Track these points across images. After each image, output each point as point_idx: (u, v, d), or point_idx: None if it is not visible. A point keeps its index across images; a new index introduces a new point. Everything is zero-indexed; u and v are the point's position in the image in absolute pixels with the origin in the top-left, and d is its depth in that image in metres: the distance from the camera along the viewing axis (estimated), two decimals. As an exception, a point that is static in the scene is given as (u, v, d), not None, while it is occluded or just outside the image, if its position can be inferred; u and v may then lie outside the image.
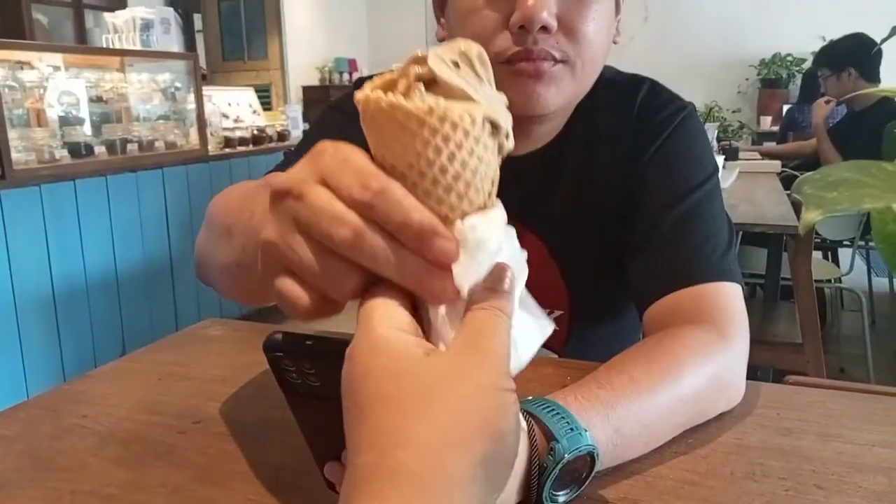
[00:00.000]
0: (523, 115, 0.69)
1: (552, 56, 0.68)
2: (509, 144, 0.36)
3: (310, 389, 0.46)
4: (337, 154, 0.35)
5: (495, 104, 0.34)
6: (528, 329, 0.38)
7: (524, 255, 0.37)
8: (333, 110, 0.85)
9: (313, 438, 0.49)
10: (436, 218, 0.33)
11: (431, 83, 0.34)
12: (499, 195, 0.37)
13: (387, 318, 0.34)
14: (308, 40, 7.91)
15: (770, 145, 5.18)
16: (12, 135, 2.49)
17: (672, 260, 0.72)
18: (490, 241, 0.34)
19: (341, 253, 0.33)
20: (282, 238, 0.35)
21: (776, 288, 2.16)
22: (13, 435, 0.69)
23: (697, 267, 0.70)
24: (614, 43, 0.78)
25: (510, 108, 0.36)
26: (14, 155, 2.45)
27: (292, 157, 0.81)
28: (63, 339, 2.58)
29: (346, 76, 8.55)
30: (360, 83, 0.82)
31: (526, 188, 0.79)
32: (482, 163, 0.34)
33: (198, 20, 5.91)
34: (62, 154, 2.67)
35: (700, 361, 0.62)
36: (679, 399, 0.60)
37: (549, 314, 0.82)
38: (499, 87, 0.36)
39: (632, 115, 0.80)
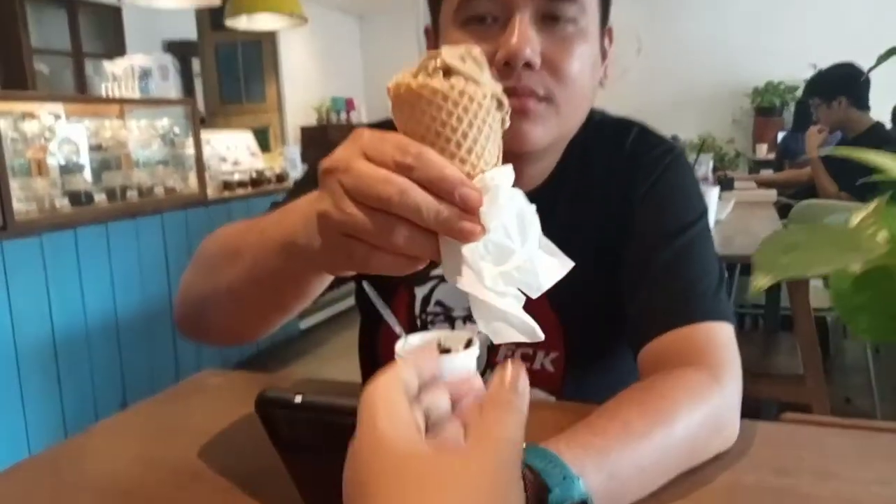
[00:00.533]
0: (510, 153, 0.71)
1: (536, 93, 0.70)
2: (507, 122, 0.44)
3: (300, 443, 0.47)
4: (374, 134, 0.43)
5: (497, 87, 0.43)
6: (549, 264, 0.45)
7: (533, 207, 0.44)
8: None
9: (305, 490, 0.50)
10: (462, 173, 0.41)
11: (446, 72, 0.42)
12: None
13: (389, 415, 0.34)
14: (305, 81, 8.03)
15: (767, 173, 5.22)
16: (14, 185, 2.51)
17: (664, 299, 0.73)
18: (506, 187, 0.42)
19: (389, 210, 0.40)
20: (335, 206, 0.42)
21: (776, 319, 2.16)
22: (15, 494, 0.69)
23: (690, 306, 0.71)
24: (600, 86, 0.80)
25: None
26: (15, 205, 2.47)
27: (297, 189, 0.82)
28: (64, 389, 2.57)
29: (343, 115, 8.66)
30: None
31: None
32: (493, 131, 0.42)
33: (196, 64, 6.02)
34: (63, 203, 2.69)
35: (693, 405, 0.62)
36: (673, 443, 0.60)
37: (545, 356, 0.82)
38: None
39: (622, 157, 0.82)
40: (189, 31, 5.50)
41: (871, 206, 0.27)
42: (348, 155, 0.43)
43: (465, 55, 0.43)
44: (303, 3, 4.19)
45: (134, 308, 2.87)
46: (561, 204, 0.82)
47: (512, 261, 0.42)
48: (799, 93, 7.12)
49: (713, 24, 7.55)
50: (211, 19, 5.00)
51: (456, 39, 0.72)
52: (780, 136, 5.80)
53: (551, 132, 0.74)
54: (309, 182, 0.74)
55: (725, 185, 2.88)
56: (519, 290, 0.43)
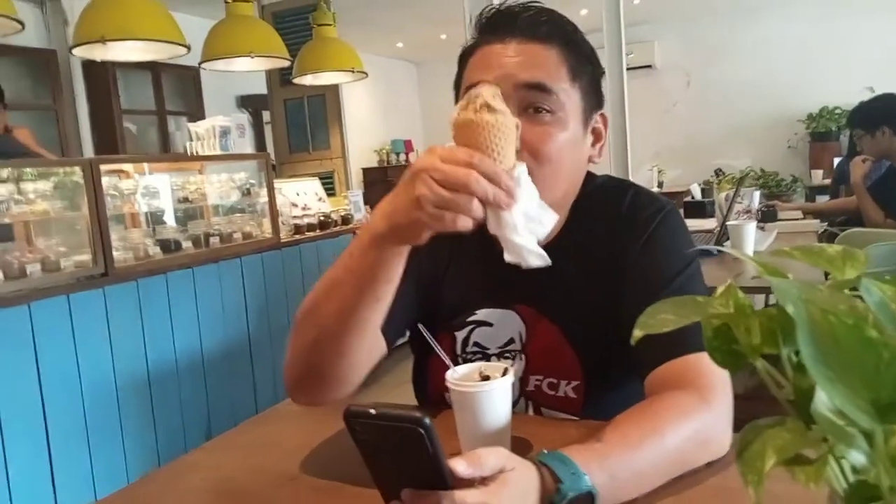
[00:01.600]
0: None
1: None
2: (520, 130, 0.77)
3: (375, 445, 0.65)
4: (444, 146, 0.72)
5: (514, 118, 0.75)
6: (546, 218, 0.77)
7: (528, 178, 0.75)
8: None
9: (381, 482, 0.68)
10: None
11: (487, 106, 0.72)
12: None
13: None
14: (366, 126, 8.43)
15: (823, 199, 5.19)
16: (113, 236, 2.84)
17: (663, 336, 0.88)
18: (527, 178, 0.74)
19: (465, 190, 0.69)
20: (430, 190, 0.70)
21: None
22: (149, 496, 0.90)
23: (684, 340, 0.86)
24: (592, 162, 0.99)
25: None
26: (114, 254, 2.79)
27: None
28: (157, 421, 2.84)
29: (402, 156, 9.01)
30: None
31: (536, 281, 0.92)
32: (511, 142, 0.73)
33: (266, 114, 6.45)
34: (155, 251, 3.00)
35: (681, 421, 0.78)
36: (663, 452, 0.76)
37: (567, 385, 0.99)
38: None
39: (621, 216, 0.99)
40: (260, 87, 5.94)
41: (722, 287, 0.44)
42: (431, 159, 0.71)
43: (496, 94, 0.74)
44: (364, 55, 4.51)
45: (218, 345, 3.14)
46: (570, 257, 0.98)
47: (528, 218, 0.73)
48: (853, 116, 7.06)
49: (763, 56, 7.55)
50: (280, 76, 5.39)
51: None
52: (836, 161, 5.76)
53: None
54: None
55: (768, 217, 2.95)
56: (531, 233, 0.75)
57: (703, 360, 0.86)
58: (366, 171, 8.51)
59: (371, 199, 5.14)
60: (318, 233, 3.94)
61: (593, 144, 0.99)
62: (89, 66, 5.08)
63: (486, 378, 0.88)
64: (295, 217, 3.93)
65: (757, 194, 3.14)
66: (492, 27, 0.94)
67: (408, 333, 1.04)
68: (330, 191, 5.10)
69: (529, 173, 0.84)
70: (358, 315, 0.84)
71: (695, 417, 0.79)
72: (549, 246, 0.99)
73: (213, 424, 3.09)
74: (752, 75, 7.56)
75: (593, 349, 0.98)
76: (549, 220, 0.75)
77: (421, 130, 9.72)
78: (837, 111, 7.16)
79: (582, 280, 0.99)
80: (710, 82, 7.77)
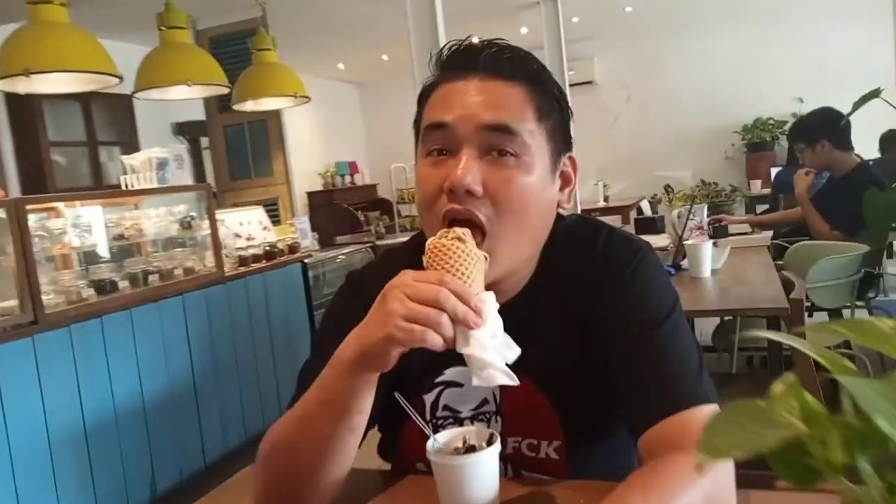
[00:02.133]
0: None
1: (476, 217, 0.82)
2: (488, 264, 0.79)
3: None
4: (417, 271, 0.76)
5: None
6: (511, 345, 0.77)
7: (495, 306, 0.77)
8: (348, 296, 0.99)
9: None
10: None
11: (458, 238, 0.77)
12: None
13: None
14: (310, 150, 8.28)
15: (762, 208, 5.33)
16: (42, 280, 2.64)
17: (653, 392, 0.82)
18: (493, 299, 0.76)
19: (435, 305, 0.71)
20: (403, 305, 0.72)
21: (780, 364, 2.23)
22: None
23: (676, 396, 0.80)
24: (561, 208, 0.92)
25: None
26: (44, 299, 2.60)
27: (320, 343, 0.94)
28: (95, 475, 2.64)
29: (347, 178, 8.88)
30: (350, 277, 1.04)
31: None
32: (480, 271, 0.77)
33: (204, 142, 6.25)
34: (89, 293, 2.81)
35: (690, 487, 0.72)
36: None
37: (548, 446, 0.92)
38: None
39: (595, 261, 0.92)
40: (197, 113, 5.75)
41: (786, 381, 0.37)
42: (403, 279, 0.74)
43: (467, 233, 0.78)
44: (305, 77, 4.40)
45: (160, 390, 2.96)
46: (541, 308, 0.92)
47: (495, 339, 0.75)
48: (787, 128, 7.32)
49: (700, 69, 7.78)
50: (219, 102, 5.23)
51: (420, 171, 0.88)
52: (774, 171, 5.94)
53: (490, 273, 0.83)
54: (330, 333, 0.89)
55: (720, 232, 2.98)
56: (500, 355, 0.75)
57: (699, 414, 0.80)
58: (311, 194, 8.34)
59: (317, 224, 5.03)
60: (264, 263, 3.80)
61: (561, 189, 0.92)
62: (13, 98, 4.81)
63: (470, 448, 0.80)
64: (239, 248, 3.78)
65: (705, 211, 3.17)
66: (453, 64, 0.88)
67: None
68: (275, 218, 4.95)
69: (491, 224, 0.83)
70: (334, 447, 0.82)
71: (702, 484, 0.73)
72: (519, 297, 0.92)
73: (158, 477, 2.90)
74: (690, 88, 7.78)
75: (573, 405, 0.91)
76: (514, 353, 0.76)
77: (365, 151, 9.62)
78: (771, 122, 7.42)
79: (556, 331, 0.92)
80: (650, 96, 7.95)
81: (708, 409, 0.80)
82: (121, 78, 3.11)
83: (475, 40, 0.90)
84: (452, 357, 0.89)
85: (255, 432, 3.45)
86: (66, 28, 2.93)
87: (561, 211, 0.94)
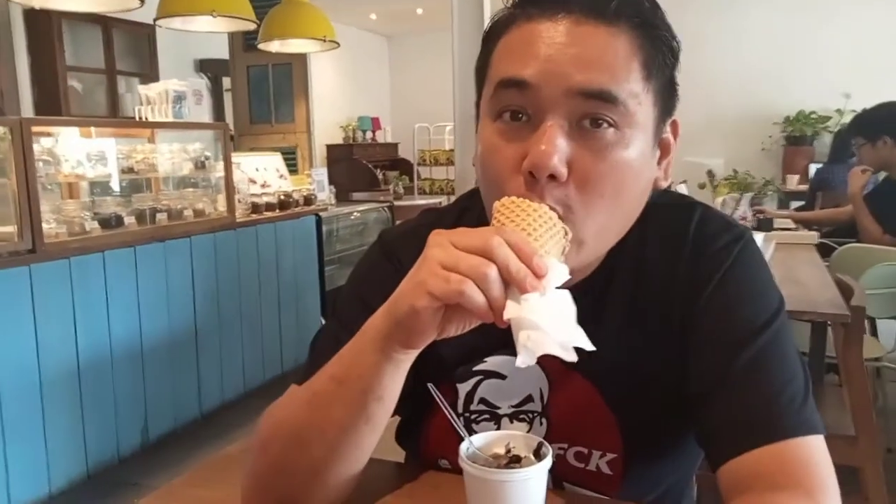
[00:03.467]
0: None
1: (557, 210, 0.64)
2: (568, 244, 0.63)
3: None
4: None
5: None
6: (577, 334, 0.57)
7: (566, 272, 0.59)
8: (379, 259, 0.84)
9: None
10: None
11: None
12: None
13: None
14: (333, 101, 8.07)
15: (798, 205, 5.11)
16: (44, 207, 2.51)
17: (747, 412, 0.66)
18: (565, 272, 0.58)
19: (484, 254, 0.56)
20: (445, 253, 0.57)
21: (822, 369, 2.07)
22: None
23: (777, 420, 0.64)
24: (658, 185, 0.73)
25: None
26: (45, 227, 2.47)
27: (342, 310, 0.81)
28: (86, 416, 2.54)
29: (368, 134, 8.68)
30: (383, 236, 0.87)
31: None
32: (558, 245, 0.61)
33: (226, 82, 6.06)
34: (93, 226, 2.68)
35: None
36: None
37: (601, 458, 0.76)
38: None
39: (685, 247, 0.74)
40: (221, 51, 5.54)
41: None
42: (453, 231, 0.59)
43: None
44: (334, 24, 4.20)
45: (160, 334, 2.84)
46: (611, 299, 0.75)
47: (560, 315, 0.57)
48: (832, 123, 7.03)
49: (743, 53, 7.47)
50: (244, 41, 5.03)
51: (486, 136, 0.68)
52: (814, 168, 5.70)
53: (580, 253, 0.66)
54: (354, 300, 0.79)
55: (764, 225, 2.79)
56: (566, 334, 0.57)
57: (807, 447, 0.64)
58: (330, 147, 8.15)
59: (334, 179, 4.85)
60: (276, 213, 3.65)
61: (659, 161, 0.72)
62: (32, 15, 4.62)
63: (515, 458, 0.65)
64: (253, 195, 3.62)
65: (749, 200, 2.98)
66: None
67: None
68: (292, 168, 4.79)
69: (576, 211, 0.64)
70: (347, 439, 0.67)
71: None
72: (586, 282, 0.73)
73: (151, 423, 2.79)
74: (730, 71, 7.47)
75: (639, 415, 0.75)
76: (582, 341, 0.57)
77: (389, 108, 9.39)
78: (814, 116, 7.13)
79: (627, 328, 0.75)
80: (687, 75, 7.56)
81: (814, 442, 0.65)
82: (142, 1, 2.93)
83: None
84: (497, 343, 0.73)
85: (253, 386, 3.34)
86: (88, -59, 2.75)
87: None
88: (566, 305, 0.57)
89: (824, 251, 2.94)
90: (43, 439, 2.39)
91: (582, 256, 0.67)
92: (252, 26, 3.71)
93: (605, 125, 0.64)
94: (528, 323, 0.55)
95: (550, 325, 0.55)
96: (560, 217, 0.63)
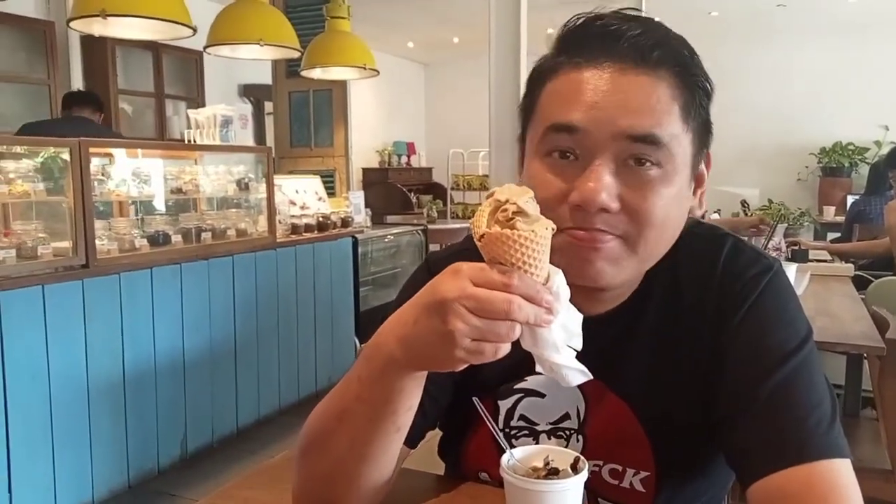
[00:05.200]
0: (579, 285, 0.69)
1: (611, 233, 0.70)
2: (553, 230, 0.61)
3: None
4: (472, 265, 0.59)
5: (547, 222, 0.61)
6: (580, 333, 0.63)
7: (566, 285, 0.62)
8: (427, 279, 0.89)
9: None
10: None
11: (520, 213, 0.59)
12: (577, 355, 0.63)
13: None
14: (369, 125, 8.24)
15: (832, 238, 5.05)
16: (97, 224, 2.63)
17: (775, 434, 0.69)
18: (565, 286, 0.62)
19: (506, 318, 0.57)
20: (465, 321, 0.57)
21: (858, 403, 2.06)
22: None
23: (805, 443, 0.68)
24: (692, 215, 0.78)
25: (566, 274, 0.62)
26: (97, 244, 2.58)
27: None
28: (129, 425, 2.63)
29: (403, 159, 8.82)
30: (430, 258, 0.93)
31: (602, 347, 0.75)
32: (547, 249, 0.60)
33: (268, 107, 6.24)
34: (141, 243, 2.79)
35: None
36: None
37: (634, 475, 0.80)
38: (555, 252, 0.61)
39: (715, 276, 0.79)
40: (264, 77, 5.73)
41: None
42: (461, 285, 0.58)
43: (529, 198, 0.60)
44: (373, 52, 4.32)
45: (201, 349, 2.94)
46: (647, 321, 0.80)
47: (566, 332, 0.62)
48: (870, 154, 6.94)
49: (779, 83, 7.45)
50: (287, 67, 5.19)
51: (535, 170, 0.73)
52: (850, 199, 5.63)
53: (626, 271, 0.72)
54: None
55: (800, 257, 2.79)
56: (569, 346, 0.63)
57: (834, 470, 0.67)
58: (366, 171, 8.30)
59: (369, 201, 4.95)
60: (315, 234, 3.75)
61: (694, 191, 0.77)
62: (88, 41, 4.85)
63: (553, 471, 0.70)
64: (293, 216, 3.73)
65: (783, 231, 2.97)
66: (583, 46, 0.72)
67: None
68: (330, 191, 4.90)
69: (625, 238, 0.70)
70: (376, 448, 0.71)
71: None
72: (621, 309, 0.79)
73: (190, 436, 2.87)
74: (766, 102, 7.45)
75: (671, 435, 0.79)
76: (579, 328, 0.64)
77: (424, 133, 9.53)
78: (851, 147, 7.05)
79: (660, 351, 0.79)
80: (723, 105, 7.55)
81: (840, 465, 0.68)
82: (194, 29, 3.08)
83: (605, 14, 0.73)
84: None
85: (288, 404, 3.41)
86: (146, -26, 2.90)
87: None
88: (570, 314, 0.63)
89: (860, 284, 2.92)
90: (89, 448, 2.48)
91: (618, 280, 0.73)
92: (296, 54, 3.85)
93: (649, 164, 0.69)
94: (548, 365, 0.62)
95: (566, 359, 0.62)
96: (618, 237, 0.71)
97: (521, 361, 0.78)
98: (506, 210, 0.60)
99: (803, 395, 0.71)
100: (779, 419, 0.70)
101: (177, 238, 2.95)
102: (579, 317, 0.63)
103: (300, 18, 4.75)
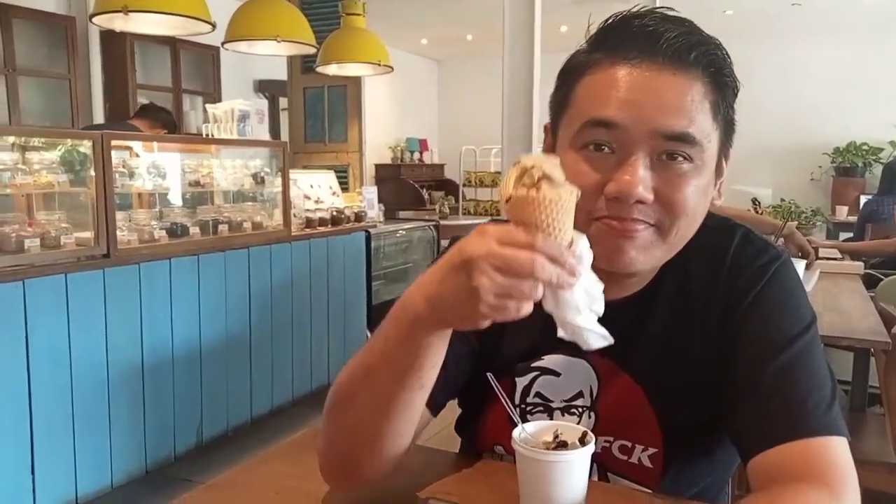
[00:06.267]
0: (609, 271, 0.74)
1: (645, 221, 0.74)
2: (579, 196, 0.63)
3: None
4: (498, 226, 0.61)
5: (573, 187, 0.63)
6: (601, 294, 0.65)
7: (589, 250, 0.64)
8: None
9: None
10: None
11: (546, 178, 0.61)
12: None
13: None
14: (382, 121, 8.28)
15: (845, 237, 5.05)
16: (119, 216, 2.69)
17: (776, 412, 0.73)
18: (588, 251, 0.63)
19: (529, 277, 0.59)
20: (490, 278, 0.59)
21: (864, 397, 2.08)
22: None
23: (803, 421, 0.72)
24: (712, 203, 0.82)
25: (597, 260, 0.64)
26: (118, 234, 2.64)
27: None
28: (147, 413, 2.69)
29: (416, 155, 8.86)
30: (458, 237, 0.93)
31: (618, 330, 0.75)
32: (570, 212, 0.62)
33: (283, 102, 6.30)
34: (160, 234, 2.85)
35: None
36: None
37: (643, 451, 0.84)
38: (589, 240, 0.64)
39: (725, 265, 0.83)
40: (279, 72, 5.79)
41: None
42: (487, 244, 0.60)
43: (555, 164, 0.62)
44: (387, 48, 4.37)
45: (217, 339, 3.00)
46: (659, 307, 0.84)
47: (588, 296, 0.64)
48: (884, 154, 6.91)
49: (793, 82, 7.42)
50: (302, 63, 5.25)
51: (570, 161, 0.75)
52: (863, 199, 5.62)
53: (655, 258, 0.77)
54: None
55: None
56: (591, 310, 0.65)
57: (830, 447, 0.71)
58: (378, 166, 8.35)
59: (381, 197, 5.00)
60: (329, 228, 3.80)
61: (714, 183, 0.82)
62: (108, 36, 4.92)
63: (562, 444, 0.74)
64: (307, 210, 3.78)
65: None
66: (622, 45, 0.75)
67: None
68: (344, 185, 4.96)
69: (658, 227, 0.75)
70: (399, 404, 0.73)
71: None
72: (640, 294, 0.84)
73: (206, 424, 2.94)
74: (780, 101, 7.42)
75: (679, 414, 0.83)
76: (601, 293, 0.66)
77: (437, 129, 9.56)
78: (865, 147, 7.02)
79: (673, 334, 0.84)
80: (738, 103, 7.60)
81: (838, 443, 0.71)
82: (213, 25, 3.13)
83: (644, 13, 0.76)
84: (555, 343, 0.82)
85: (301, 395, 3.47)
86: (166, -29, 2.96)
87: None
88: (592, 279, 0.64)
89: (870, 282, 2.93)
90: (108, 434, 2.55)
91: (649, 265, 0.79)
92: (312, 50, 3.90)
93: (681, 159, 0.74)
94: (570, 327, 0.64)
95: (588, 321, 0.64)
96: (652, 225, 0.75)
97: (539, 341, 0.84)
98: (532, 175, 0.62)
99: (804, 378, 0.75)
100: (779, 399, 0.74)
101: (194, 230, 3.01)
102: (601, 284, 0.65)
103: (316, 15, 4.80)
